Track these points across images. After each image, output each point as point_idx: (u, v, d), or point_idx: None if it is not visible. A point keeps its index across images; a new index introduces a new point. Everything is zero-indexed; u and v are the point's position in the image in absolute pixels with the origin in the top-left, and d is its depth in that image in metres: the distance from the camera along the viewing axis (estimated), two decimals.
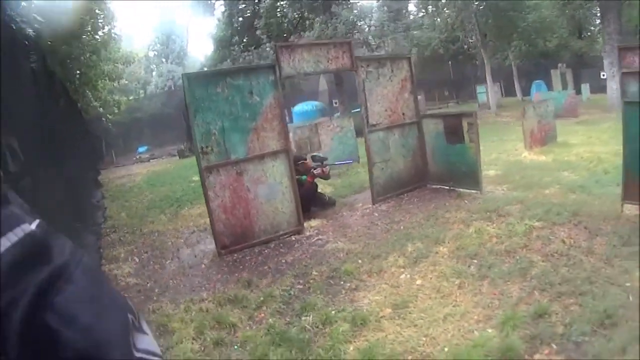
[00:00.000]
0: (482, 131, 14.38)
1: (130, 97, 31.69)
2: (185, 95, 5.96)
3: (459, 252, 4.95)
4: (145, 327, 0.67)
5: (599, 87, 19.53)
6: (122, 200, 11.51)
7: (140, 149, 25.52)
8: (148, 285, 5.46)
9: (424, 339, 3.48)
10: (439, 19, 23.85)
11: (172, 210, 9.33)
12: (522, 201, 6.22)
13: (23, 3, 6.55)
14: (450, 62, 28.28)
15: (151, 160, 22.04)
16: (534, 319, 3.49)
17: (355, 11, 19.01)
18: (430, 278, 4.50)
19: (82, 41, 12.03)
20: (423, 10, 26.30)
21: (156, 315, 4.47)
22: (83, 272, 0.60)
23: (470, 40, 21.52)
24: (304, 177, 7.36)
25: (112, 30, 15.92)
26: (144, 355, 0.62)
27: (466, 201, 6.70)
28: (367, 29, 20.06)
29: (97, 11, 12.93)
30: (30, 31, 6.20)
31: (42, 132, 7.06)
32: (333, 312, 4.09)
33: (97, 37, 14.07)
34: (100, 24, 13.93)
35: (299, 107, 15.80)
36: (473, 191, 7.08)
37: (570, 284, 3.91)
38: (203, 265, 5.90)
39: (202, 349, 3.81)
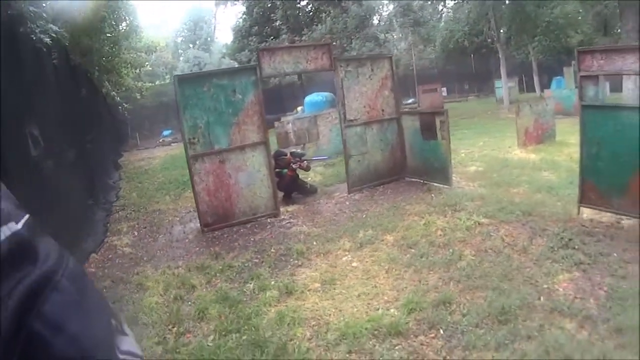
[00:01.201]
0: (487, 127, 14.96)
1: (157, 82, 32.94)
2: (175, 94, 6.74)
3: (402, 241, 5.48)
4: (126, 328, 0.68)
5: (619, 86, 19.04)
6: (137, 182, 12.41)
7: (165, 132, 26.28)
8: (139, 254, 6.35)
9: (332, 310, 4.09)
10: (466, 10, 23.63)
11: (177, 192, 10.17)
12: (484, 198, 6.63)
13: (44, 14, 7.32)
14: (472, 56, 27.91)
15: (172, 144, 22.68)
16: (436, 306, 3.92)
17: (363, 6, 19.31)
18: (366, 262, 5.08)
19: (103, 34, 12.79)
20: (443, 3, 26.22)
21: (138, 277, 5.43)
22: (69, 280, 0.59)
23: (493, 34, 21.41)
24: (284, 170, 8.07)
25: (134, 22, 16.86)
26: (127, 357, 0.64)
27: (433, 195, 7.15)
28: (376, 23, 20.35)
29: (116, 6, 13.65)
30: (48, 40, 6.94)
31: (64, 119, 7.97)
32: (272, 282, 4.82)
33: (120, 29, 14.92)
34: (121, 16, 14.69)
35: (309, 98, 16.13)
36: (444, 186, 7.50)
37: (486, 279, 4.29)
38: (187, 240, 6.75)
39: (164, 301, 4.70)
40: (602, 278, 4.08)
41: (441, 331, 3.60)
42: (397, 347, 3.45)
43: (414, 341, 3.52)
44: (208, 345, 3.78)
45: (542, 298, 3.87)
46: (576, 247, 4.73)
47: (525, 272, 4.36)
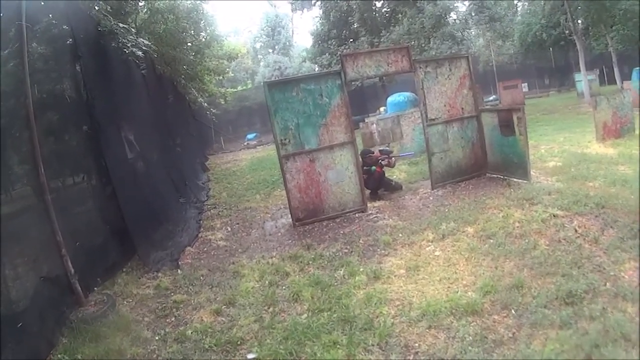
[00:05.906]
0: (568, 122, 14.70)
1: (239, 88, 34.69)
2: (266, 99, 7.47)
3: (482, 233, 5.85)
4: None
5: None
6: (225, 182, 13.48)
7: (249, 136, 27.63)
8: (234, 246, 7.16)
9: (416, 292, 4.61)
10: (541, 2, 22.83)
11: (266, 192, 11.04)
12: (560, 192, 6.75)
13: (132, 29, 8.24)
14: (551, 49, 26.72)
15: (257, 147, 23.82)
16: (509, 289, 4.32)
17: (438, 6, 19.45)
18: (448, 251, 5.52)
19: (185, 44, 13.84)
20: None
21: (234, 266, 6.17)
22: None
23: (570, 25, 20.45)
24: (372, 167, 8.60)
25: (215, 31, 18.05)
26: None
27: (512, 190, 7.35)
28: (452, 22, 20.22)
29: (197, 17, 14.69)
30: (140, 53, 7.87)
31: (155, 125, 9.02)
32: (361, 268, 5.39)
33: (201, 38, 16.03)
34: (202, 26, 15.82)
35: (391, 98, 16.39)
36: (523, 181, 7.67)
37: (557, 266, 4.60)
38: (279, 234, 7.47)
39: (260, 286, 5.39)
40: None
41: (512, 311, 4.01)
42: (472, 324, 3.90)
43: (488, 319, 3.95)
44: (302, 321, 4.38)
45: (607, 284, 4.14)
46: None
47: (595, 260, 4.61)
